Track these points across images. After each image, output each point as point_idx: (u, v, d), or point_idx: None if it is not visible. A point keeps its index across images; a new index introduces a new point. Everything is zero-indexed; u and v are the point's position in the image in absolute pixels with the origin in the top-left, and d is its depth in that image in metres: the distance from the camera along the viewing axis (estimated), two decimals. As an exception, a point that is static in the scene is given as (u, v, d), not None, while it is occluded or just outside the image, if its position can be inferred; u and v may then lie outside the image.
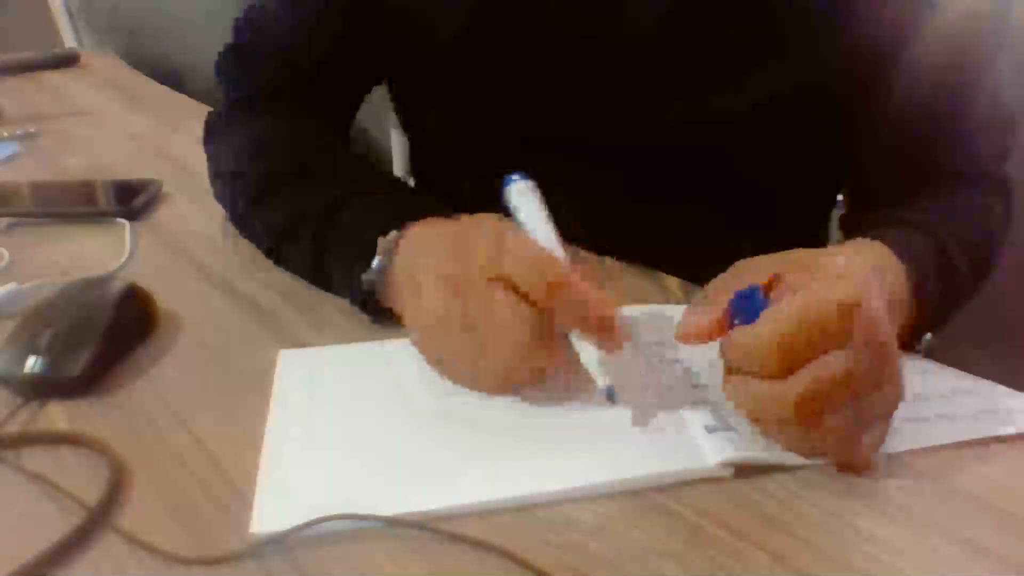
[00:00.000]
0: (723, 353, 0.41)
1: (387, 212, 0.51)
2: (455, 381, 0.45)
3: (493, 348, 0.42)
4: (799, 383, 0.37)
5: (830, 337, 0.37)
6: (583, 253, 0.63)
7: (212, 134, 0.70)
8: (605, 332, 0.42)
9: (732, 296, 0.41)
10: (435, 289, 0.43)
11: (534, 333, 0.41)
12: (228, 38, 0.71)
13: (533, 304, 0.41)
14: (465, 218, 0.47)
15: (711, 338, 0.41)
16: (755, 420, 0.41)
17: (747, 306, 0.40)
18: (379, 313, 0.52)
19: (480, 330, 0.42)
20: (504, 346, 0.42)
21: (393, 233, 0.49)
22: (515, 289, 0.41)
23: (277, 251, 0.60)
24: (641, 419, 0.43)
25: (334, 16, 0.66)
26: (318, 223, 0.55)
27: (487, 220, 0.46)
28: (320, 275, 0.56)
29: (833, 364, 0.37)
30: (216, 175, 0.68)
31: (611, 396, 0.42)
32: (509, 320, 0.41)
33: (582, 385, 0.44)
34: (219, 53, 0.71)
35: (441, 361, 0.45)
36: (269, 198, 0.61)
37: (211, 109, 0.73)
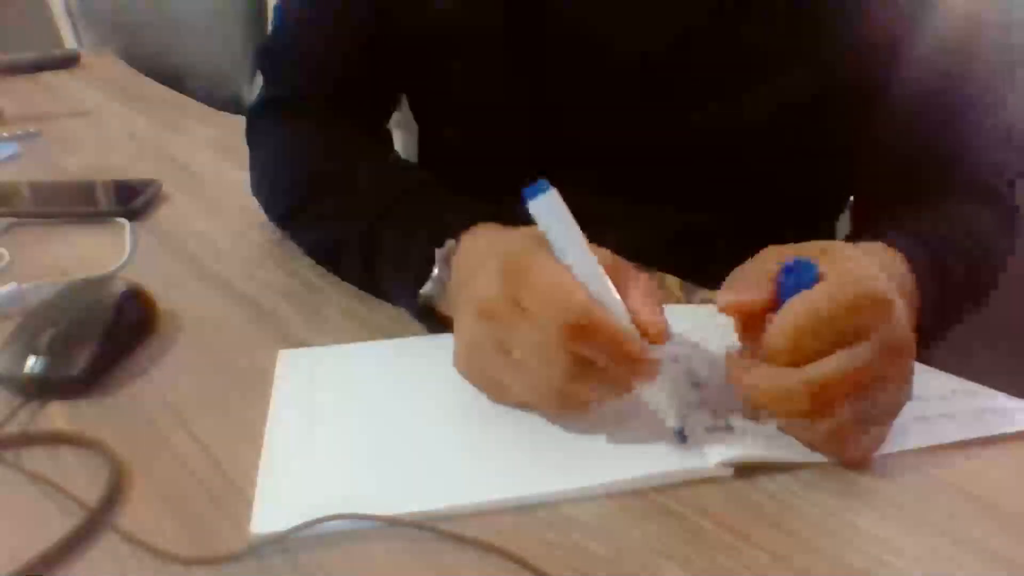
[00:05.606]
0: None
1: (438, 223, 0.51)
2: (499, 401, 0.44)
3: (531, 372, 0.40)
4: (817, 371, 0.37)
5: (853, 331, 0.37)
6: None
7: (252, 132, 0.70)
8: (635, 367, 0.39)
9: (781, 269, 0.40)
10: (467, 314, 0.43)
11: (565, 367, 0.38)
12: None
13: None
14: (510, 235, 0.45)
15: (751, 311, 0.40)
16: (764, 405, 0.40)
17: (798, 280, 0.39)
18: (438, 322, 0.51)
19: (514, 355, 0.40)
20: (541, 373, 0.40)
21: (450, 243, 0.49)
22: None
23: (326, 265, 0.60)
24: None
25: (353, 26, 0.66)
26: (363, 237, 0.54)
27: (522, 241, 0.43)
28: (373, 289, 0.56)
29: (853, 358, 0.37)
30: (256, 179, 0.68)
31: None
32: (539, 350, 0.39)
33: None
34: (256, 46, 0.71)
35: (480, 384, 0.44)
36: (308, 210, 0.61)
37: (250, 105, 0.71)
